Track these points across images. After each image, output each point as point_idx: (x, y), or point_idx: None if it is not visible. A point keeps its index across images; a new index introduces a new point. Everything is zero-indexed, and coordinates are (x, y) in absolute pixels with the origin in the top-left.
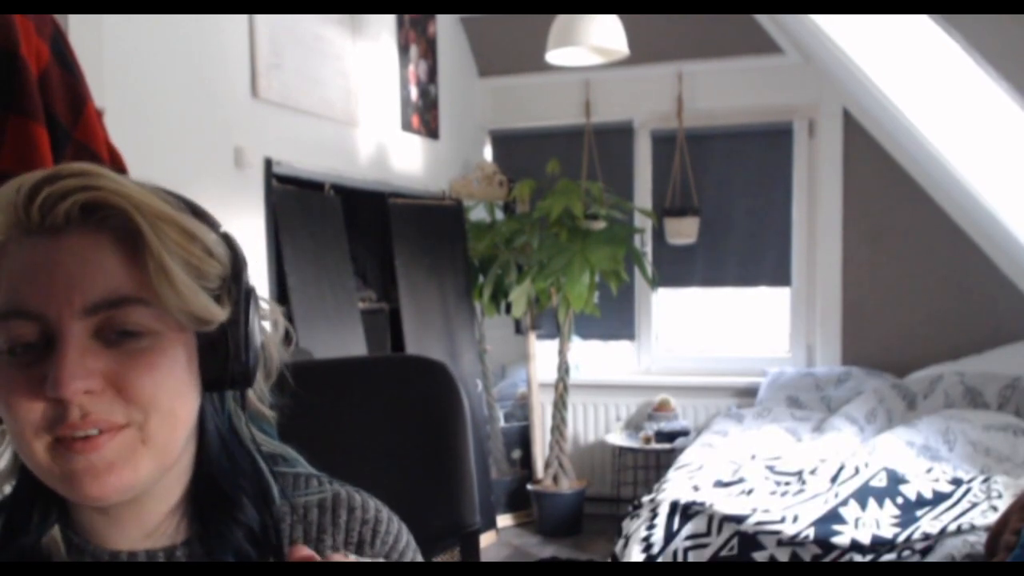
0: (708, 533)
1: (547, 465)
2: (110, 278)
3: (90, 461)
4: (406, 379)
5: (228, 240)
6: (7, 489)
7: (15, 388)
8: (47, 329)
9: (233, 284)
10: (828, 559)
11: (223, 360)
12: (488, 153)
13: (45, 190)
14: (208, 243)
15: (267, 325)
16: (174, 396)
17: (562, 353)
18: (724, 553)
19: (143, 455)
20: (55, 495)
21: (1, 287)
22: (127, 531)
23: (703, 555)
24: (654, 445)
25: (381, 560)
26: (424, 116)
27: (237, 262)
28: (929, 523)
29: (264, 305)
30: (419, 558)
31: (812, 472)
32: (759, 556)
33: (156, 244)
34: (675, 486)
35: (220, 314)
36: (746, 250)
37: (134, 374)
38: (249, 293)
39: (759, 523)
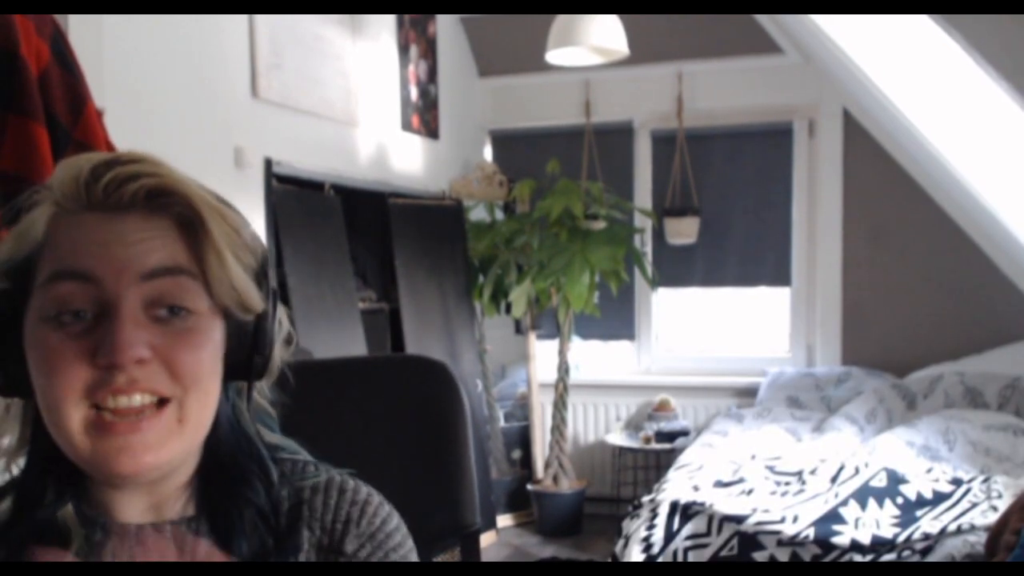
0: (708, 533)
1: (547, 465)
2: (167, 251)
3: (129, 441)
4: (407, 379)
5: (256, 239)
6: (13, 471)
7: (61, 353)
8: (101, 295)
9: (264, 279)
10: (828, 559)
11: (249, 351)
12: (488, 153)
13: (113, 170)
14: (247, 238)
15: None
16: (211, 376)
17: (562, 353)
18: (724, 553)
19: (177, 436)
20: (69, 469)
21: (52, 255)
22: (137, 506)
23: (703, 555)
24: (654, 445)
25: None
26: (424, 116)
27: (266, 260)
28: (929, 523)
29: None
30: (410, 544)
31: (812, 472)
32: (759, 556)
33: (215, 230)
34: (675, 486)
35: (260, 303)
36: (746, 250)
37: (181, 349)
38: (274, 290)
39: (759, 523)
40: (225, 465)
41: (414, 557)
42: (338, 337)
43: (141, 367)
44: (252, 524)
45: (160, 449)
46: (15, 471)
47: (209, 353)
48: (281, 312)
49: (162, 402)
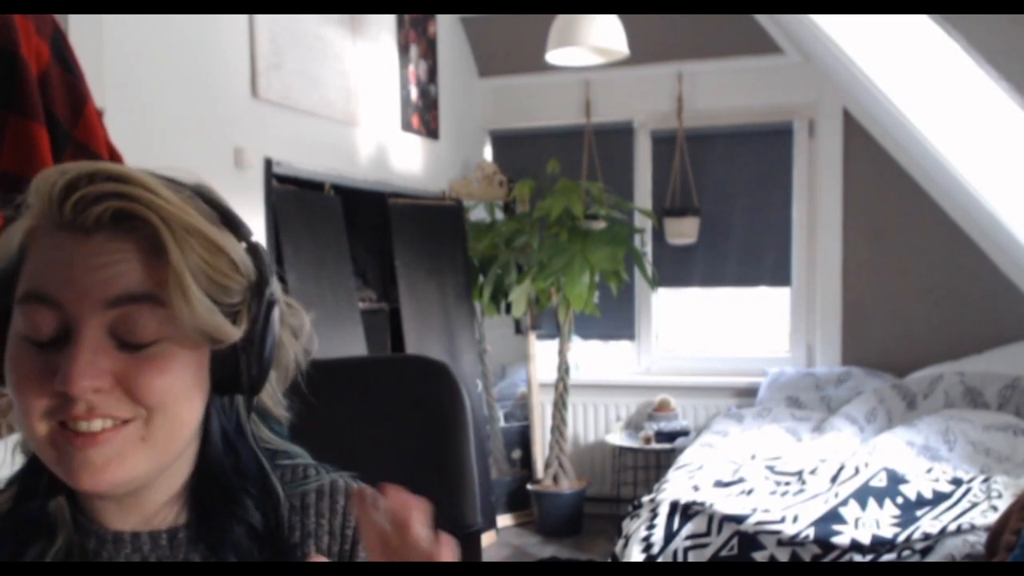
0: (708, 533)
1: (547, 465)
2: (132, 277)
3: (87, 456)
4: (407, 379)
5: (255, 251)
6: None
7: (28, 373)
8: (65, 319)
9: (254, 299)
10: (828, 559)
11: (234, 372)
12: (488, 153)
13: (80, 190)
14: (234, 257)
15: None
16: (181, 399)
17: (562, 353)
18: (724, 553)
19: (140, 452)
20: None
21: (27, 270)
22: (128, 516)
23: (703, 555)
24: (654, 445)
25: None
26: (424, 116)
27: (262, 275)
28: (929, 523)
29: (288, 308)
30: None
31: (812, 472)
32: (759, 556)
33: (179, 261)
34: (675, 486)
35: (234, 334)
36: (746, 250)
37: (144, 376)
38: (271, 306)
39: (759, 523)
40: (216, 481)
41: None
42: (338, 337)
43: (99, 394)
44: (241, 542)
45: (121, 464)
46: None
47: (177, 377)
48: (303, 318)
49: (125, 421)
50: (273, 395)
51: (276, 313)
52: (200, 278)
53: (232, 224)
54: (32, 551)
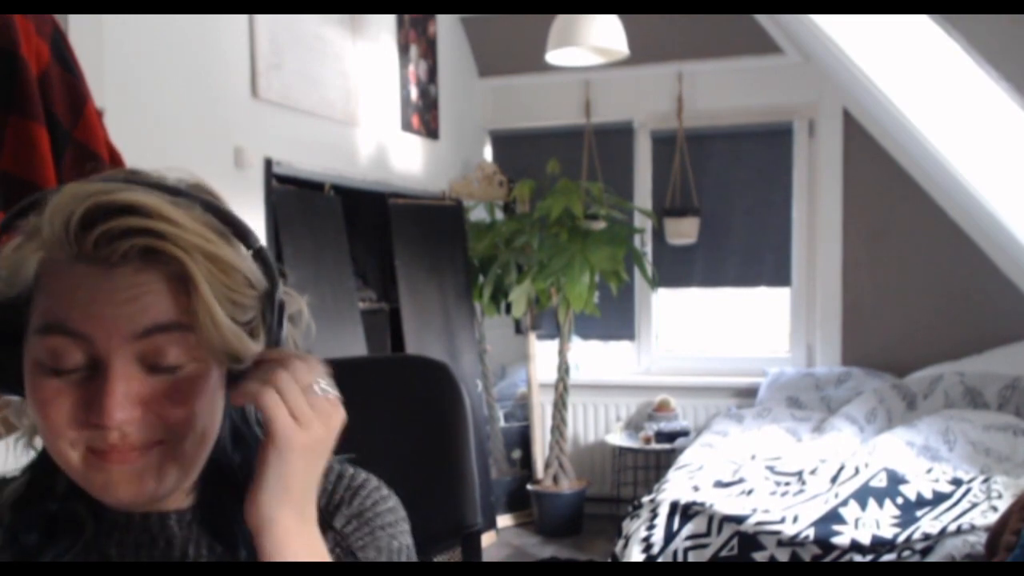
0: (708, 533)
1: (547, 465)
2: (159, 308)
3: (124, 472)
4: (408, 379)
5: (262, 256)
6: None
7: (56, 403)
8: (93, 353)
9: (268, 308)
10: (828, 559)
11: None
12: (488, 153)
13: (101, 225)
14: (246, 272)
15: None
16: (208, 420)
17: (562, 353)
18: (724, 553)
19: (172, 469)
20: None
21: (44, 301)
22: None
23: (703, 555)
24: (654, 445)
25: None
26: (424, 116)
27: (271, 281)
28: (929, 523)
29: (287, 297)
30: (405, 527)
31: (812, 472)
32: (759, 556)
33: (207, 293)
34: (675, 486)
35: (255, 351)
36: (746, 250)
37: (174, 402)
38: (282, 310)
39: (759, 523)
40: (225, 467)
41: (407, 539)
42: (338, 337)
43: (133, 423)
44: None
45: (153, 479)
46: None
47: (206, 399)
48: (300, 302)
49: (156, 443)
50: None
51: (287, 316)
52: (224, 304)
53: (240, 234)
54: (54, 549)
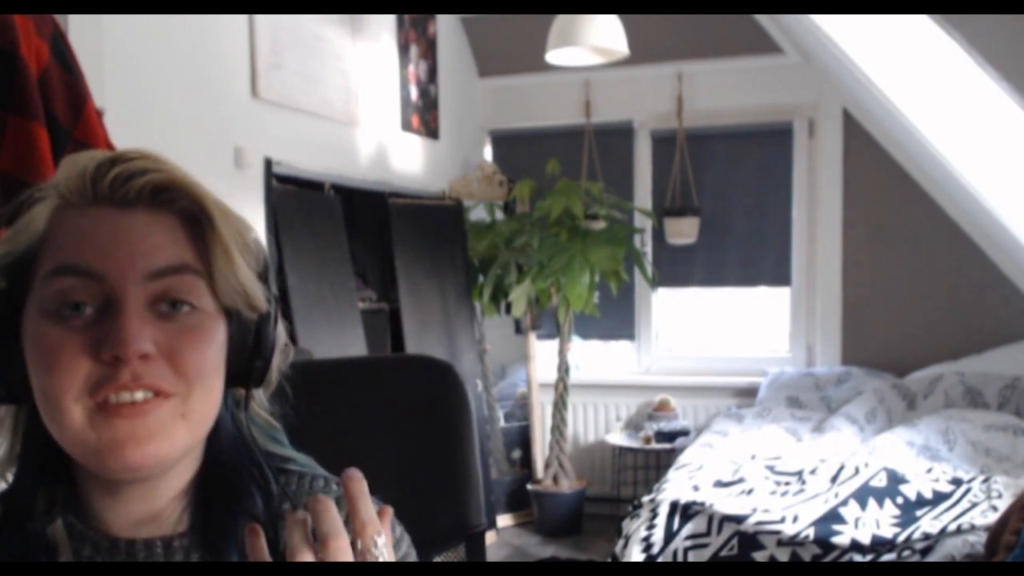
0: (708, 533)
1: (547, 465)
2: (173, 248)
3: (134, 427)
4: (410, 379)
5: (259, 244)
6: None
7: (62, 348)
8: (106, 291)
9: (264, 283)
10: (828, 559)
11: (251, 354)
12: (488, 153)
13: (119, 166)
14: (250, 241)
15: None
16: (214, 373)
17: (562, 353)
18: (724, 553)
19: (181, 428)
20: (61, 481)
21: (53, 249)
22: (131, 514)
23: (703, 555)
24: (654, 445)
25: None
26: (424, 116)
27: (267, 266)
28: (929, 523)
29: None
30: (413, 555)
31: (812, 472)
32: (759, 556)
33: (223, 229)
34: (675, 486)
35: (264, 303)
36: (746, 250)
37: (185, 346)
38: (277, 297)
39: (759, 523)
40: (225, 472)
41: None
42: (338, 337)
43: (145, 363)
44: (243, 539)
45: (164, 439)
46: (5, 484)
47: (213, 351)
48: (286, 339)
49: (167, 395)
50: (259, 400)
51: (279, 304)
52: (237, 243)
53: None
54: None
